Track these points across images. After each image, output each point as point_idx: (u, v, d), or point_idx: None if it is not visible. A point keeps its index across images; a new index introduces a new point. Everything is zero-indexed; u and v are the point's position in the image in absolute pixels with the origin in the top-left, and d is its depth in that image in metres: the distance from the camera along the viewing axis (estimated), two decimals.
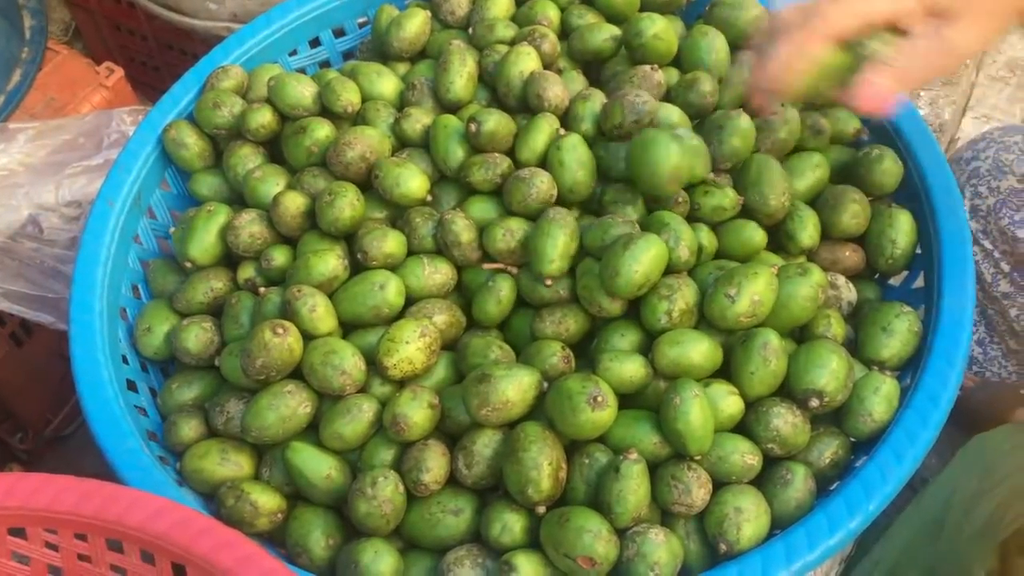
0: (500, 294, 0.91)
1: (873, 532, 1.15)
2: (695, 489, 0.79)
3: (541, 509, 0.79)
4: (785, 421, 0.82)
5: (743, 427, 0.84)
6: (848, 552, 1.30)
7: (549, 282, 0.89)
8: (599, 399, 0.79)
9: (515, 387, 0.81)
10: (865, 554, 1.18)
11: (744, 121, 0.94)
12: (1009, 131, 1.34)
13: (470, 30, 1.08)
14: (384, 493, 0.80)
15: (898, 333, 0.87)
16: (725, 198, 0.92)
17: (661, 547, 0.76)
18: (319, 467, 0.84)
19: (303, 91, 1.02)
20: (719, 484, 0.82)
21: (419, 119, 1.00)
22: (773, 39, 0.73)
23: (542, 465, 0.78)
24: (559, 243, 0.87)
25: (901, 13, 0.68)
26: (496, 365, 0.83)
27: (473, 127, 0.94)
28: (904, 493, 0.80)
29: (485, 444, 0.83)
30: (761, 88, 0.76)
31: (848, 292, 0.93)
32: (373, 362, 0.87)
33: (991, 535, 1.07)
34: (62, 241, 1.24)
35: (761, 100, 0.82)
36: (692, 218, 0.93)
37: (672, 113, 0.96)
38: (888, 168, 0.96)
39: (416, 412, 0.83)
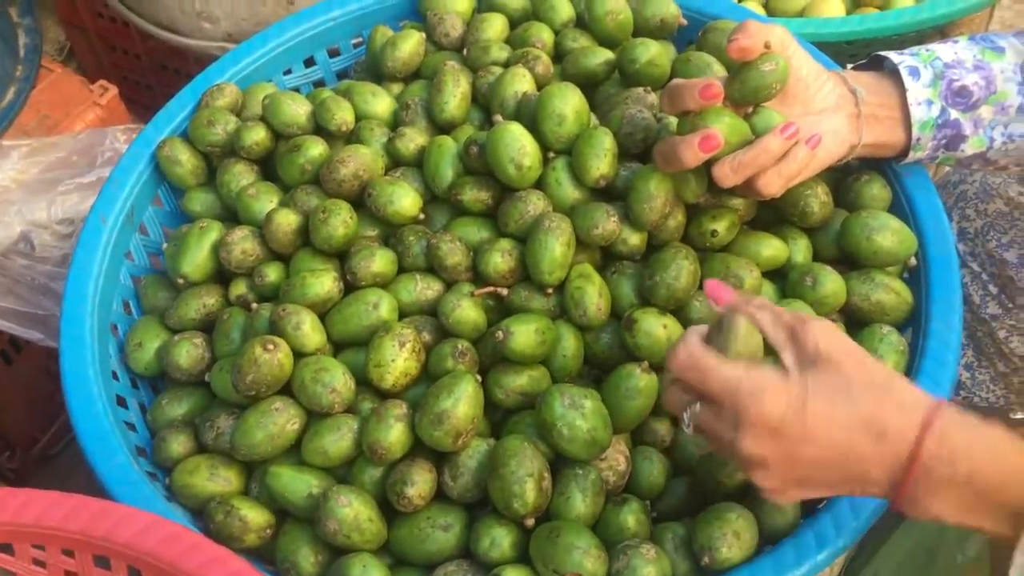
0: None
1: (860, 557, 1.15)
2: None
3: (530, 522, 0.79)
4: None
5: None
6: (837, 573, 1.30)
7: (550, 291, 0.90)
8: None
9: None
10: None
11: None
12: None
13: (464, 51, 1.09)
14: (324, 510, 0.80)
15: (887, 358, 0.87)
16: (733, 214, 0.93)
17: (651, 563, 0.76)
18: (299, 488, 0.84)
19: (297, 110, 1.02)
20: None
21: (413, 139, 1.00)
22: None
23: (524, 478, 0.79)
24: (557, 253, 0.88)
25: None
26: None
27: (474, 149, 0.94)
28: (892, 517, 0.80)
29: (469, 455, 0.84)
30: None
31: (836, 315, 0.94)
32: (366, 380, 0.87)
33: (984, 565, 1.07)
34: (54, 258, 1.24)
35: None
36: (705, 247, 0.94)
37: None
38: (877, 193, 0.97)
39: (388, 433, 0.83)
